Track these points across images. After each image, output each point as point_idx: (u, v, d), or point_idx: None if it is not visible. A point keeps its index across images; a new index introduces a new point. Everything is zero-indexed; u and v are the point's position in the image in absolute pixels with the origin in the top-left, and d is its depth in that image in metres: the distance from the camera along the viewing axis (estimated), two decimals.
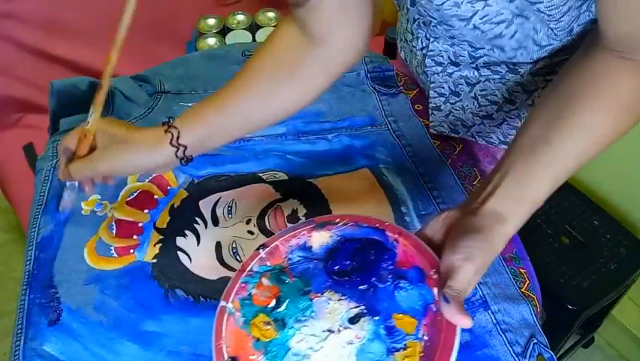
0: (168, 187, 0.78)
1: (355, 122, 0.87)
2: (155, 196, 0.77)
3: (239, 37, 1.25)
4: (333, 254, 0.58)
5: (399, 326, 0.53)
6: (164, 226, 0.74)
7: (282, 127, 0.86)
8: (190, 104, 0.88)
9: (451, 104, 0.80)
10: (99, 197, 0.76)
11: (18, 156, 1.17)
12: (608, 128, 0.56)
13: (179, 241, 0.72)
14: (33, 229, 0.73)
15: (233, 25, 1.27)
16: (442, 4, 0.62)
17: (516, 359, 0.63)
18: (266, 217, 0.74)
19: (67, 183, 0.66)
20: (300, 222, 0.64)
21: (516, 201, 0.55)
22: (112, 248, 0.71)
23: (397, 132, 0.86)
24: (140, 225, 0.74)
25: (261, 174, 0.80)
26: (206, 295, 0.68)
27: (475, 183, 0.80)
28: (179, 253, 0.71)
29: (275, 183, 0.79)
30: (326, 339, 0.53)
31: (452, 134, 0.84)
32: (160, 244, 0.72)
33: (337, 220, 0.59)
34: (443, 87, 0.79)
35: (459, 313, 0.48)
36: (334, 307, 0.55)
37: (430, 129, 0.85)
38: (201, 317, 0.66)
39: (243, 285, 0.56)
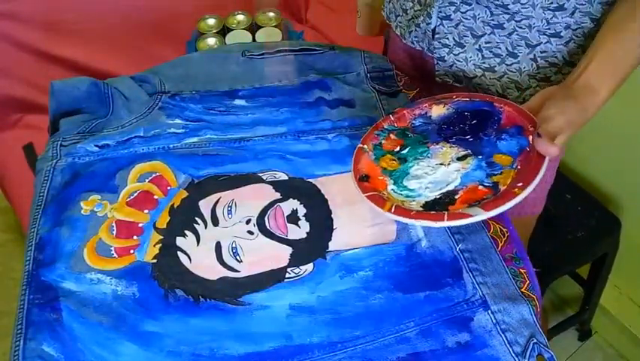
0: (168, 187, 0.78)
1: (355, 122, 0.87)
2: (155, 196, 0.77)
3: (239, 37, 1.25)
4: (448, 120, 0.74)
5: (497, 162, 0.68)
6: (164, 226, 0.74)
7: (282, 127, 0.86)
8: (191, 104, 0.89)
9: (455, 55, 0.84)
10: (99, 197, 0.76)
11: (18, 156, 1.17)
12: None
13: (179, 241, 0.72)
14: (32, 229, 0.73)
15: (233, 25, 1.27)
16: None
17: (516, 358, 0.63)
18: (266, 217, 0.74)
19: None
20: (422, 98, 0.79)
21: (606, 74, 0.68)
22: (112, 249, 0.71)
23: None
24: (140, 225, 0.74)
25: (261, 174, 0.80)
26: (206, 295, 0.68)
27: None
28: (179, 253, 0.71)
29: (275, 183, 0.79)
30: (438, 169, 0.70)
31: (456, 84, 0.88)
32: (160, 244, 0.72)
33: (454, 96, 0.75)
34: (447, 38, 0.83)
35: (548, 144, 0.62)
36: (446, 151, 0.72)
37: (436, 78, 0.89)
38: (201, 317, 0.66)
39: (376, 136, 0.75)
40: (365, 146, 0.74)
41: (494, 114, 0.71)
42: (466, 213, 0.61)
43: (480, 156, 0.70)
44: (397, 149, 0.74)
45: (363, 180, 0.70)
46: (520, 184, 0.62)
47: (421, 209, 0.66)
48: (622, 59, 0.68)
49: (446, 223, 0.62)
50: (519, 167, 0.66)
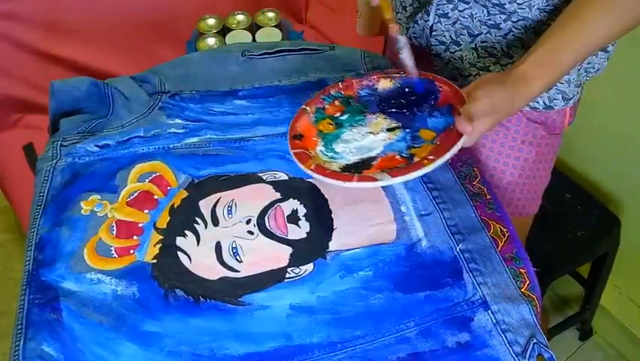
0: (168, 187, 0.78)
1: None
2: (155, 196, 0.77)
3: (239, 37, 1.25)
4: (390, 93, 0.77)
5: (421, 136, 0.71)
6: (164, 226, 0.74)
7: (282, 127, 0.86)
8: (191, 104, 0.89)
9: (451, 53, 0.85)
10: (99, 197, 0.76)
11: (18, 156, 1.17)
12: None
13: (179, 241, 0.72)
14: (33, 229, 0.73)
15: (233, 25, 1.27)
16: None
17: (516, 359, 0.63)
18: (266, 217, 0.74)
19: (401, 43, 0.75)
20: (374, 71, 0.82)
21: (543, 66, 0.68)
22: (112, 249, 0.71)
23: None
24: (140, 225, 0.74)
25: (261, 174, 0.80)
26: (206, 295, 0.68)
27: (475, 183, 0.80)
28: (179, 253, 0.71)
29: (275, 183, 0.79)
30: (367, 137, 0.74)
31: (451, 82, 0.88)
32: (160, 244, 0.72)
33: (401, 73, 0.77)
34: (444, 35, 0.84)
35: (464, 123, 0.63)
36: (378, 121, 0.75)
37: None
38: (201, 317, 0.66)
39: (321, 100, 0.77)
40: (308, 108, 0.76)
41: (433, 92, 0.74)
42: (373, 177, 0.65)
43: (407, 130, 0.73)
44: (337, 115, 0.77)
45: (296, 138, 0.73)
46: (431, 157, 0.65)
47: (338, 170, 0.69)
48: (562, 56, 0.69)
49: (354, 185, 0.65)
50: (438, 142, 0.68)
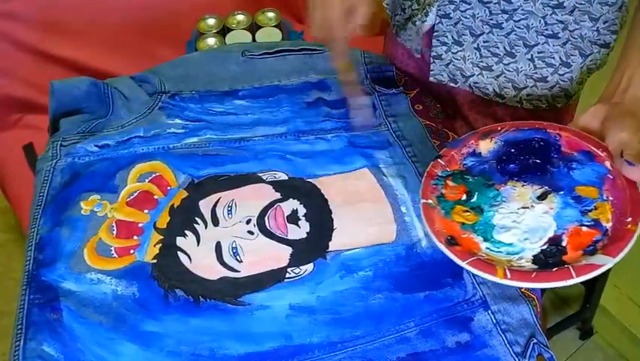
0: (168, 187, 0.78)
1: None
2: (155, 196, 0.77)
3: (239, 37, 1.25)
4: (504, 155, 0.69)
5: (584, 195, 0.63)
6: (164, 226, 0.74)
7: (282, 127, 0.86)
8: (191, 104, 0.89)
9: (453, 53, 0.85)
10: (99, 197, 0.76)
11: (18, 156, 1.17)
12: None
13: (179, 241, 0.72)
14: (33, 229, 0.73)
15: (233, 25, 1.27)
16: None
17: (516, 359, 0.63)
18: (266, 217, 0.74)
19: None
20: (465, 134, 0.73)
21: None
22: (112, 249, 0.71)
23: (397, 132, 0.86)
24: (140, 225, 0.74)
25: (261, 174, 0.80)
26: (206, 295, 0.68)
27: None
28: (179, 253, 0.71)
29: (275, 183, 0.79)
30: (524, 214, 0.64)
31: (451, 84, 0.88)
32: (160, 244, 0.72)
33: (499, 128, 0.70)
34: (446, 36, 0.84)
35: None
36: (521, 191, 0.66)
37: (430, 77, 0.89)
38: (201, 317, 0.66)
39: (433, 187, 0.67)
40: (430, 201, 0.66)
41: (551, 141, 0.67)
42: (594, 265, 0.56)
43: (561, 192, 0.65)
44: (464, 197, 0.68)
45: (451, 244, 0.62)
46: (629, 219, 0.58)
47: (534, 266, 0.60)
48: None
49: (576, 280, 0.56)
50: (611, 198, 0.62)
